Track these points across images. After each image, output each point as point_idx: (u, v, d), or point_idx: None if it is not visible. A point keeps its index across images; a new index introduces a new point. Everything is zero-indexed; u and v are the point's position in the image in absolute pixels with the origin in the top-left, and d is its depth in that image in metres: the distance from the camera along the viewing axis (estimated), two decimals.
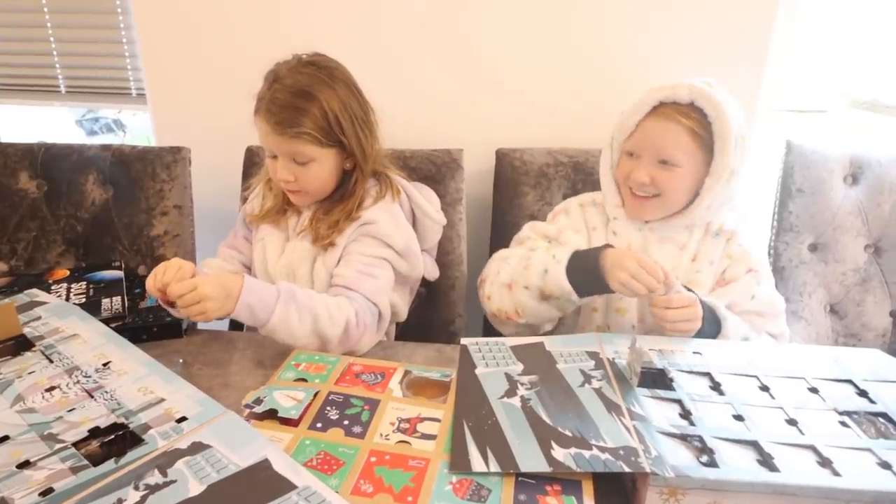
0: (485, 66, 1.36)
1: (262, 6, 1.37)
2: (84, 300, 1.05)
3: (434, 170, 1.26)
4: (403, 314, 1.14)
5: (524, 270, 0.98)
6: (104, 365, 0.82)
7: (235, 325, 1.23)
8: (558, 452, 0.63)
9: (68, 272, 1.17)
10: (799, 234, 1.31)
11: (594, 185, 1.15)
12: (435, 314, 1.23)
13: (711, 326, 0.90)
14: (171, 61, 1.45)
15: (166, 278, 0.87)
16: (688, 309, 0.86)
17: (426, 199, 1.16)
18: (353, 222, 1.05)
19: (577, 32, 1.31)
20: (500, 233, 1.31)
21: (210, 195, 1.40)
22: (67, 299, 1.05)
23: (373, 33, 1.35)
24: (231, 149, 1.33)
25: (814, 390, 0.74)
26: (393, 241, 1.05)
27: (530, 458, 0.63)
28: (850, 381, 0.76)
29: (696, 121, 0.94)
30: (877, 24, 1.52)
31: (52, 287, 1.10)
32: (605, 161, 1.07)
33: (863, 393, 0.74)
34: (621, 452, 0.62)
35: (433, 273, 1.22)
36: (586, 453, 0.63)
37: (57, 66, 1.58)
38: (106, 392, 0.76)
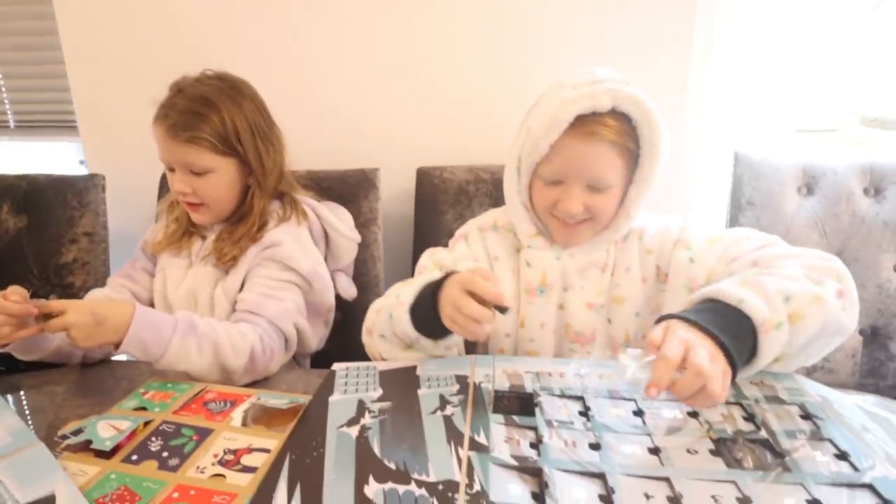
0: (405, 85, 1.33)
1: (178, 29, 1.37)
2: None
3: (347, 189, 1.21)
4: (313, 345, 1.07)
5: (376, 315, 0.84)
6: None
7: None
8: (371, 489, 0.55)
9: None
10: None
11: None
12: (351, 338, 1.15)
13: (733, 325, 0.63)
14: (98, 90, 1.45)
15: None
16: (693, 375, 0.55)
17: (339, 217, 1.12)
18: (256, 244, 1.00)
19: (496, 51, 1.28)
20: (422, 252, 1.25)
21: (129, 222, 1.37)
22: None
23: (291, 55, 1.34)
24: (149, 176, 1.31)
25: (694, 414, 0.66)
26: (297, 264, 1.00)
27: (337, 499, 0.55)
28: (738, 404, 0.68)
29: (621, 132, 0.79)
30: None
31: None
32: (510, 185, 0.89)
33: (749, 417, 0.65)
34: (440, 488, 0.55)
35: (350, 292, 1.16)
36: (401, 489, 0.55)
37: None
38: None
